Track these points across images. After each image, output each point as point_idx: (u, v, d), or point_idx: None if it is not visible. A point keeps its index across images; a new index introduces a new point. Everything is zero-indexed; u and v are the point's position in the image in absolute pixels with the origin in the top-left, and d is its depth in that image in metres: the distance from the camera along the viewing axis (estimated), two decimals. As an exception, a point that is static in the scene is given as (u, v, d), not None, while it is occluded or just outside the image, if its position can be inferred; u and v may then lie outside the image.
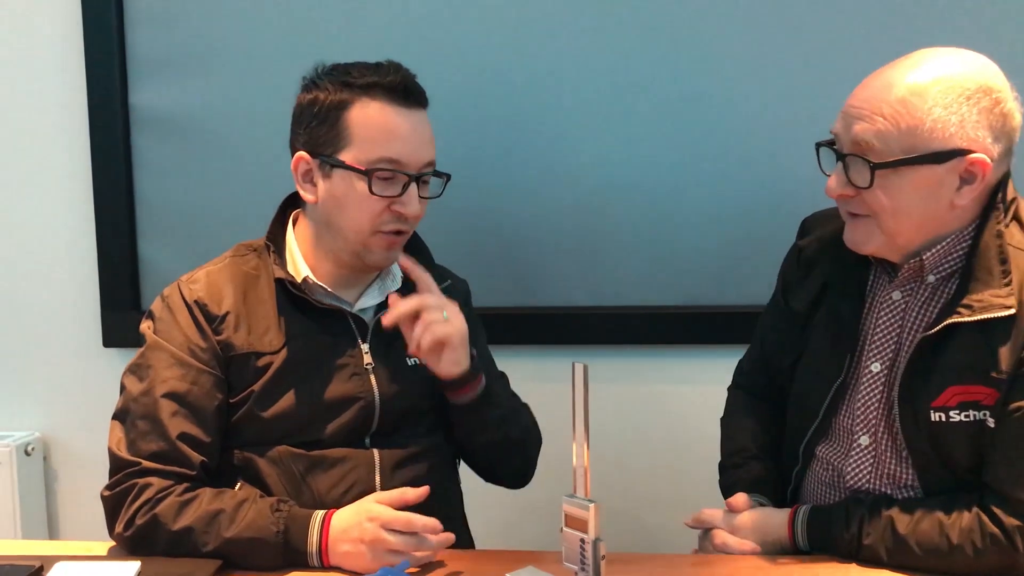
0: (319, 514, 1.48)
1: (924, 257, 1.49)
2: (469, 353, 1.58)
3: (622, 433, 2.21)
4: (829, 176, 1.49)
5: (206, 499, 1.49)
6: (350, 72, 1.56)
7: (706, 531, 1.59)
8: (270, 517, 1.47)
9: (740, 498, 1.59)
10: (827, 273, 1.61)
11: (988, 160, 1.42)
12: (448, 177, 1.63)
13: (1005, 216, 1.47)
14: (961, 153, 1.41)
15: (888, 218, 1.45)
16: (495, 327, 2.13)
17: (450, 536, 1.48)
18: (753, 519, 1.56)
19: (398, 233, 1.60)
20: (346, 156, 1.55)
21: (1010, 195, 1.49)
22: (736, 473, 1.69)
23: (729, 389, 1.84)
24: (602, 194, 2.15)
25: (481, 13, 2.13)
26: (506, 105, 2.14)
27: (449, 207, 2.13)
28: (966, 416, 1.44)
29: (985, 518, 1.42)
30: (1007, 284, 1.42)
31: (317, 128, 1.56)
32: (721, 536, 1.55)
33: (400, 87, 1.55)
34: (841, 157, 1.46)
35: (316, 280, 1.61)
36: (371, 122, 1.54)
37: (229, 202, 2.21)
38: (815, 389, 1.60)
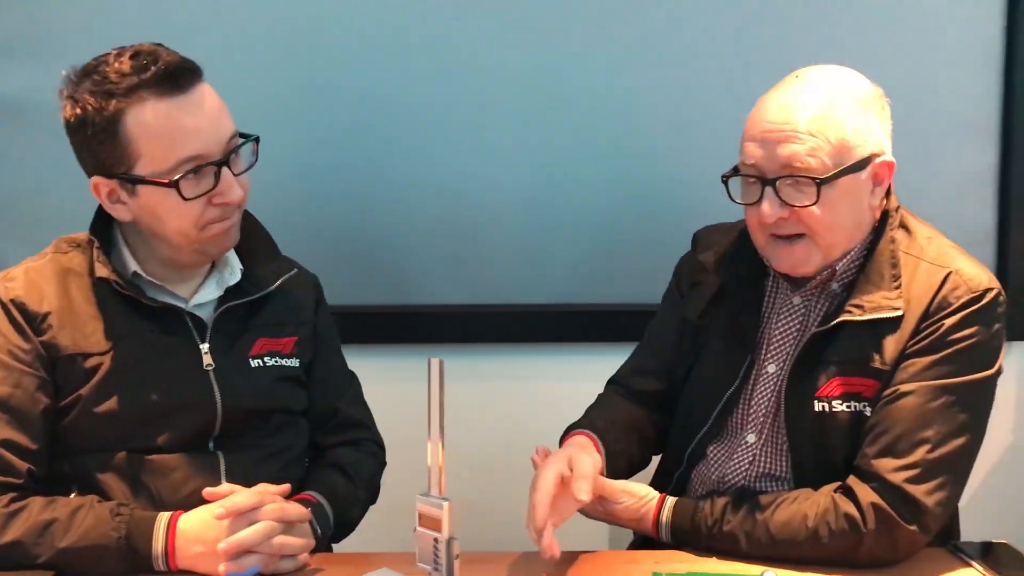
0: (164, 516, 1.43)
1: (837, 267, 1.54)
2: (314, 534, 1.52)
3: (491, 431, 2.20)
4: (752, 204, 1.50)
5: (36, 508, 1.41)
6: (107, 77, 1.43)
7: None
8: (110, 522, 1.41)
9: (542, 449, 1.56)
10: (724, 283, 1.63)
11: (893, 160, 1.53)
12: (257, 140, 1.53)
13: (895, 223, 1.55)
14: (873, 157, 1.50)
15: (826, 232, 1.49)
16: (365, 326, 2.12)
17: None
18: (629, 484, 1.55)
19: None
20: (143, 169, 1.45)
21: (894, 203, 1.57)
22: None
23: (605, 386, 1.83)
24: (473, 193, 2.14)
25: (352, 15, 2.09)
26: (374, 104, 2.11)
27: (315, 205, 2.12)
28: (848, 407, 1.49)
29: (840, 499, 1.45)
30: (897, 287, 1.49)
31: (99, 148, 1.45)
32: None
33: (165, 76, 1.43)
34: (770, 183, 1.48)
35: (146, 275, 1.54)
36: (152, 127, 1.43)
37: (85, 194, 2.10)
38: (708, 394, 1.62)
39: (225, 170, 1.47)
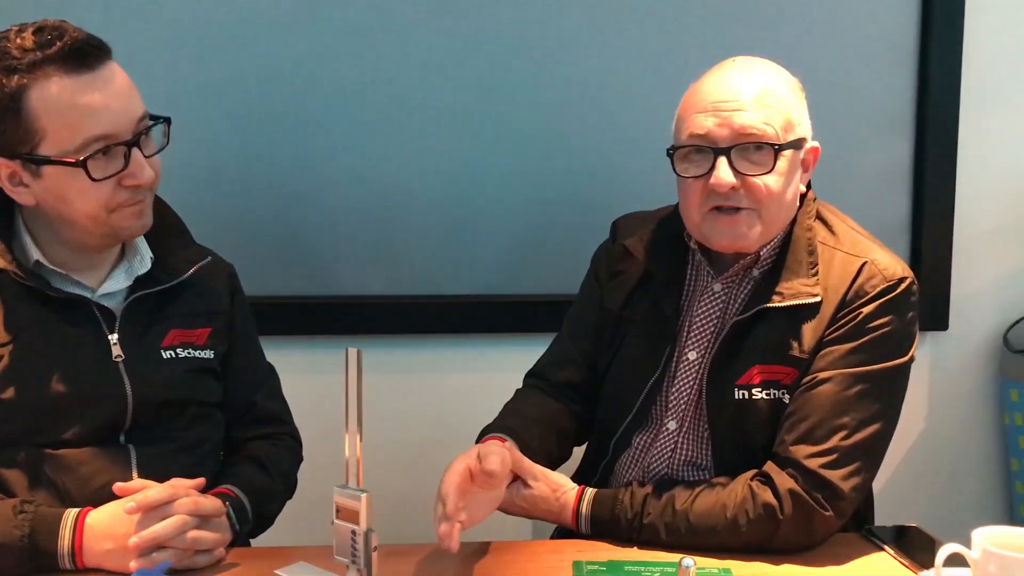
0: (71, 513, 1.38)
1: (762, 252, 1.55)
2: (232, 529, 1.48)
3: (412, 423, 2.18)
4: (700, 176, 1.50)
5: (-66, 507, 1.35)
6: (9, 52, 1.38)
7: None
8: (12, 520, 1.35)
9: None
10: (647, 272, 1.63)
11: (819, 146, 1.58)
12: (168, 121, 1.49)
13: (811, 212, 1.58)
14: (805, 141, 1.56)
15: (771, 204, 1.51)
16: (284, 317, 2.09)
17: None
18: (545, 470, 1.54)
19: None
20: (48, 149, 1.40)
21: (811, 193, 1.60)
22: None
23: (524, 380, 1.82)
24: (394, 182, 2.12)
25: (279, 9, 2.06)
26: (292, 90, 2.08)
27: (232, 192, 2.08)
28: (767, 394, 1.51)
29: (757, 488, 1.47)
30: (814, 275, 1.52)
31: (0, 127, 1.40)
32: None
33: (71, 52, 1.38)
34: (724, 151, 1.49)
35: (49, 265, 1.48)
36: (58, 105, 1.38)
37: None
38: (632, 383, 1.62)
39: (135, 151, 1.43)
